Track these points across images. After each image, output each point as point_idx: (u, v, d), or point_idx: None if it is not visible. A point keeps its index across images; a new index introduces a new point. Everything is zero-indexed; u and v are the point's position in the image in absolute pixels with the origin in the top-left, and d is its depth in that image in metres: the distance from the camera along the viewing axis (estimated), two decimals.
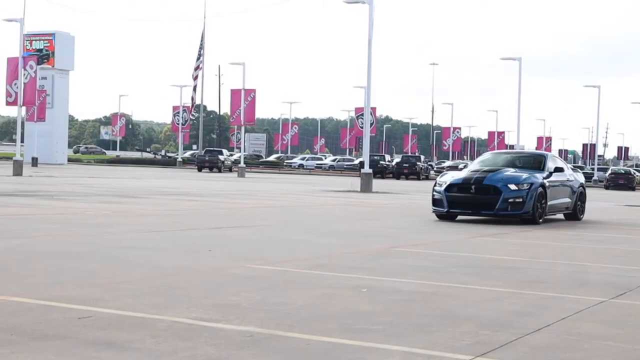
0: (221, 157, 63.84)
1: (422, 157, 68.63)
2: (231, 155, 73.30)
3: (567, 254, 11.02)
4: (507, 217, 16.72)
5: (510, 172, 17.15)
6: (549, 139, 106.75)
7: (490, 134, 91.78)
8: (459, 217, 17.19)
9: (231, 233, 12.42)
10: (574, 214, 18.83)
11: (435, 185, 17.22)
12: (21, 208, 16.10)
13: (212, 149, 73.49)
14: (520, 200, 16.38)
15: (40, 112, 63.10)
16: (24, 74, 41.74)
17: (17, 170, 37.01)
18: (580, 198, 19.12)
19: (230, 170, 63.44)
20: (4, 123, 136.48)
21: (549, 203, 17.21)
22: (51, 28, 78.81)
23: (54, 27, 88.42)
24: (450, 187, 16.83)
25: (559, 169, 18.00)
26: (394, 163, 64.15)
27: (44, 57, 73.20)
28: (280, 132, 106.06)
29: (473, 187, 16.60)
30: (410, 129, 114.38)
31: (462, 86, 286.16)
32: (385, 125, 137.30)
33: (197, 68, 79.85)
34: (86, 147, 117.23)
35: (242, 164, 53.75)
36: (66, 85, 77.65)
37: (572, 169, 20.25)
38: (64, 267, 7.95)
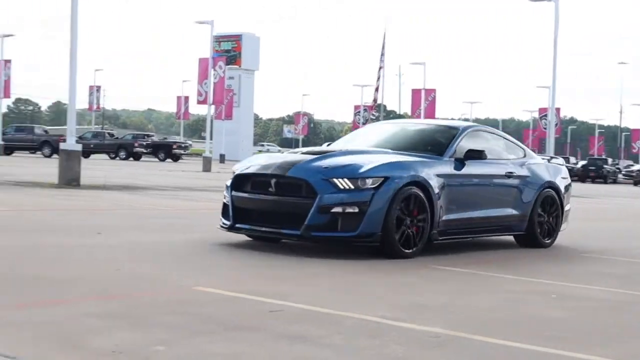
0: None
1: (609, 160, 66.04)
2: None
3: None
4: (329, 241, 8.85)
5: (353, 156, 9.31)
6: None
7: None
8: None
9: None
10: (531, 235, 10.82)
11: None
12: (210, 202, 16.78)
13: None
14: (356, 210, 8.58)
15: (228, 110, 65.52)
16: (214, 74, 43.52)
17: (206, 166, 38.65)
18: (544, 207, 10.99)
19: None
20: (194, 121, 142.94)
21: (446, 217, 9.37)
22: (238, 29, 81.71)
23: (241, 28, 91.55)
24: (239, 182, 9.44)
25: (476, 154, 9.87)
26: (579, 166, 62.06)
27: (231, 57, 76.02)
28: None
29: (273, 182, 9.01)
30: (597, 131, 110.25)
31: None
32: (569, 127, 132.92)
33: (380, 68, 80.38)
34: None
35: None
36: (251, 85, 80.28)
37: (544, 158, 11.93)
38: (253, 261, 8.21)
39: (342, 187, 8.66)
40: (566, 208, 11.64)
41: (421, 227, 9.06)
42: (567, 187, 11.76)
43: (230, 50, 77.86)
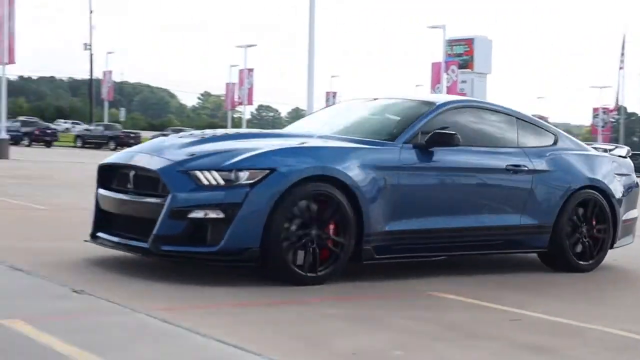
0: None
1: None
2: None
3: None
4: (185, 259, 6.28)
5: (242, 141, 6.73)
6: None
7: None
8: None
9: None
10: (556, 253, 7.75)
11: None
12: None
13: (637, 152, 70.33)
14: (221, 215, 6.11)
15: None
16: (446, 78, 43.50)
17: None
18: (583, 216, 7.88)
19: None
20: None
21: (391, 227, 6.69)
22: (470, 33, 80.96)
23: (473, 32, 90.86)
24: (106, 176, 7.10)
25: (443, 138, 6.97)
26: None
27: (464, 61, 75.47)
28: None
29: (132, 175, 6.70)
30: None
31: None
32: None
33: (620, 69, 76.88)
34: None
35: None
36: (484, 89, 79.20)
37: (604, 149, 8.83)
38: (487, 266, 8.05)
39: (206, 182, 6.17)
40: (625, 217, 8.34)
41: (341, 239, 6.44)
42: (627, 189, 8.39)
43: (462, 54, 77.29)
